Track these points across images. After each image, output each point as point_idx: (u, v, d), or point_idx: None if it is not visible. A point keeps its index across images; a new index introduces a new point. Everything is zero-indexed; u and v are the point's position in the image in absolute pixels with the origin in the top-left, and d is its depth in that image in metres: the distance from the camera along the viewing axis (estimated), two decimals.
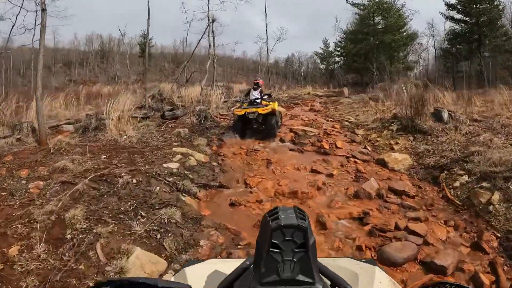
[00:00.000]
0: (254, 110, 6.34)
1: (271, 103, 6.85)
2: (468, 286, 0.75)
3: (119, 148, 4.98)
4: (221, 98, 11.73)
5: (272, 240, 0.61)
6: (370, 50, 20.64)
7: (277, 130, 6.66)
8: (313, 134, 6.67)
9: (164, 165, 4.03)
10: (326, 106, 12.49)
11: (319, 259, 0.71)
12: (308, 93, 21.26)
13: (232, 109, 10.84)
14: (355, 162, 5.01)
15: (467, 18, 20.72)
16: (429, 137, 5.79)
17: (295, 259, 0.61)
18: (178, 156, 4.35)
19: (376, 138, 6.39)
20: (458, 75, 20.95)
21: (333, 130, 7.17)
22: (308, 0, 51.53)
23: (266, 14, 27.15)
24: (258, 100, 6.87)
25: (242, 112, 6.40)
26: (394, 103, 8.67)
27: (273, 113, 6.54)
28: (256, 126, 6.62)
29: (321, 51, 37.82)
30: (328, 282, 0.70)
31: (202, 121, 7.06)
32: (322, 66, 40.53)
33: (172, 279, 0.85)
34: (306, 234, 0.61)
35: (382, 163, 5.00)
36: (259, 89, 7.08)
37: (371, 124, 7.44)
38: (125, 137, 5.57)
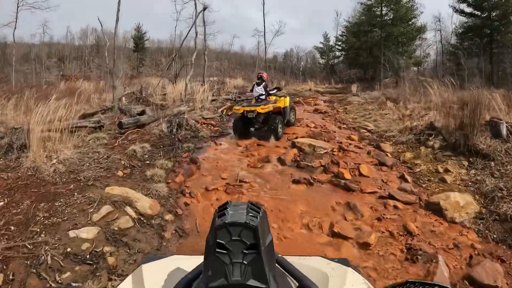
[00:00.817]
0: (253, 108, 5.67)
1: (281, 98, 6.29)
2: (437, 283, 0.57)
3: (33, 185, 3.17)
4: (208, 96, 9.88)
5: (218, 240, 0.53)
6: (376, 44, 18.66)
7: (282, 132, 5.90)
8: (325, 151, 4.89)
9: (73, 233, 2.23)
10: (332, 105, 10.71)
11: (287, 257, 0.71)
12: (309, 90, 19.39)
13: (220, 109, 9.11)
14: (395, 207, 3.24)
15: (478, 12, 18.94)
16: (492, 163, 4.03)
17: (245, 262, 0.53)
18: (105, 209, 2.53)
19: (412, 159, 4.61)
20: (467, 72, 19.23)
21: (350, 144, 5.39)
22: None
23: (264, 4, 25.05)
24: (263, 97, 6.16)
25: (241, 111, 5.76)
26: (423, 106, 6.90)
27: (277, 111, 5.94)
28: (258, 127, 6.02)
29: (321, 45, 35.98)
30: (296, 284, 0.66)
31: (174, 130, 5.25)
32: (322, 61, 38.83)
33: (130, 277, 0.75)
34: (256, 234, 0.53)
35: (437, 210, 3.24)
36: (263, 83, 6.29)
37: (398, 135, 5.67)
38: (54, 161, 3.74)
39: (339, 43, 33.33)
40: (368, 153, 4.95)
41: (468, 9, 19.39)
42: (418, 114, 6.50)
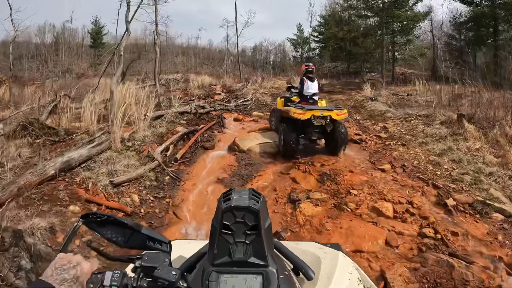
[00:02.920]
0: (326, 113, 4.37)
1: (321, 100, 5.36)
2: None
3: None
4: (148, 110, 5.66)
5: (224, 222, 0.60)
6: (372, 31, 15.41)
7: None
8: None
9: None
10: (360, 125, 7.11)
11: (283, 242, 0.80)
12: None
13: (162, 148, 4.88)
14: None
15: None
16: None
17: (247, 241, 0.60)
18: None
19: None
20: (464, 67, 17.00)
21: None
22: None
23: None
24: (316, 97, 5.07)
25: (307, 115, 4.31)
26: None
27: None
28: (315, 138, 4.70)
29: (294, 37, 32.69)
30: (291, 266, 0.73)
31: None
32: (295, 54, 35.74)
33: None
34: (257, 216, 0.60)
35: None
36: (316, 79, 5.11)
37: None
38: None
39: (316, 34, 30.24)
40: None
41: None
42: None
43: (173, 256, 0.74)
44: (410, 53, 14.62)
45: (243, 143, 4.95)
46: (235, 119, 7.28)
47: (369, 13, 15.41)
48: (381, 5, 13.99)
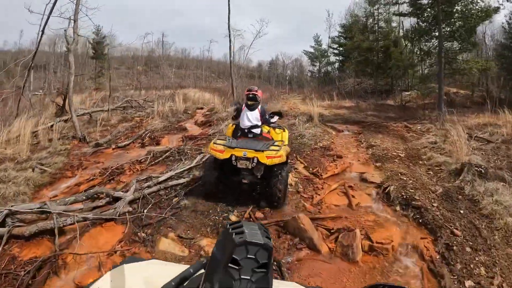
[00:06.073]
0: (251, 154, 3.48)
1: (280, 132, 4.15)
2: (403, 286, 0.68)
3: None
4: None
5: (234, 256, 0.56)
6: (421, 33, 11.25)
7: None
8: None
9: None
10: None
11: None
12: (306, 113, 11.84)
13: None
14: None
15: None
16: None
17: (253, 279, 0.57)
18: None
19: None
20: None
21: None
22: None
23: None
24: (258, 130, 3.97)
25: (226, 155, 3.52)
26: None
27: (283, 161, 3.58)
28: (247, 182, 3.71)
29: (311, 49, 29.40)
30: None
31: None
32: (313, 68, 32.39)
33: (109, 274, 0.77)
34: (270, 254, 0.57)
35: None
36: (259, 107, 4.02)
37: None
38: None
39: (335, 46, 26.76)
40: None
41: None
42: None
43: (150, 276, 0.74)
44: (466, 65, 10.51)
45: None
46: None
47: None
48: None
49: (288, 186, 4.02)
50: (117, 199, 3.74)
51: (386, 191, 4.10)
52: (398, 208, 3.78)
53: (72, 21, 8.92)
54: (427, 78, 12.48)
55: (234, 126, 4.28)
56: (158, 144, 7.21)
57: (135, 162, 5.25)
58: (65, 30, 9.54)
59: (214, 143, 3.64)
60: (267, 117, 4.06)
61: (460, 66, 10.49)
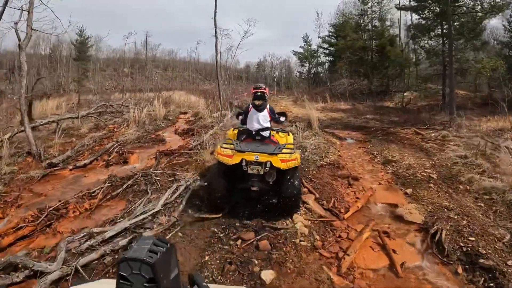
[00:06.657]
0: (264, 158, 3.15)
1: (284, 135, 3.95)
2: None
3: None
4: None
5: (120, 272, 0.56)
6: (426, 29, 10.22)
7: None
8: None
9: None
10: None
11: (212, 286, 0.68)
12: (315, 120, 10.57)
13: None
14: None
15: None
16: None
17: None
18: None
19: None
20: None
21: None
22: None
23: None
24: (267, 133, 3.69)
25: (236, 160, 3.17)
26: None
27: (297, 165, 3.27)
28: (257, 189, 3.24)
29: (301, 50, 28.41)
30: None
31: None
32: (302, 69, 31.46)
33: None
34: (154, 269, 0.55)
35: None
36: (267, 106, 3.75)
37: None
38: None
39: (325, 46, 25.85)
40: None
41: None
42: None
43: None
44: (477, 65, 9.60)
45: None
46: None
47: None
48: None
49: (301, 237, 2.79)
50: (40, 273, 2.37)
51: (436, 238, 2.90)
52: (460, 269, 2.58)
53: (26, 13, 7.35)
54: (429, 79, 11.58)
55: (237, 130, 4.04)
56: (126, 162, 5.79)
57: (86, 196, 3.84)
58: (15, 23, 7.91)
59: (221, 147, 3.33)
60: (276, 116, 3.81)
61: (471, 65, 9.60)
